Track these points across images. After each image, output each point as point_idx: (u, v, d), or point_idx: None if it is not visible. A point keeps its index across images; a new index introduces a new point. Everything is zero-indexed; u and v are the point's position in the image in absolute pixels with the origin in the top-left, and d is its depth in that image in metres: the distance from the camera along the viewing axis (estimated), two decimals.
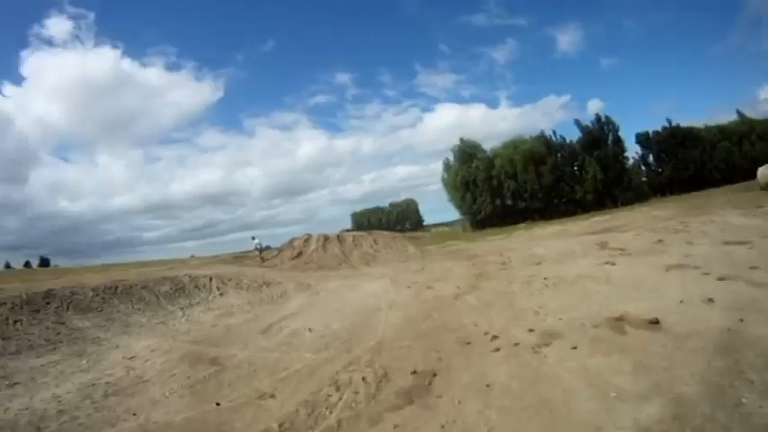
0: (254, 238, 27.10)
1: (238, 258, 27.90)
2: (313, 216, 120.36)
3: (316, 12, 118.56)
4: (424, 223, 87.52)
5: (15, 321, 11.73)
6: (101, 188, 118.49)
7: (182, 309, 14.18)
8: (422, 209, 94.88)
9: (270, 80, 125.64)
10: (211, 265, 27.12)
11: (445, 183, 53.46)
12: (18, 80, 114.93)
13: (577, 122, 49.66)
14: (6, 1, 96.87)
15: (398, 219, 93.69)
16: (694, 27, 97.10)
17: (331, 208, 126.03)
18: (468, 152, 51.58)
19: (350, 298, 12.33)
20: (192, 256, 45.21)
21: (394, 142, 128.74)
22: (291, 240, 27.47)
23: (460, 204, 51.16)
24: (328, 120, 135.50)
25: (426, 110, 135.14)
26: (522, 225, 43.86)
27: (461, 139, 52.67)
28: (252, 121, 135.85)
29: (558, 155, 49.73)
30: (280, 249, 27.91)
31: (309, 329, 8.92)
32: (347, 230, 47.86)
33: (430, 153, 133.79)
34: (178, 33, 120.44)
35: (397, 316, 9.10)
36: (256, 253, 26.55)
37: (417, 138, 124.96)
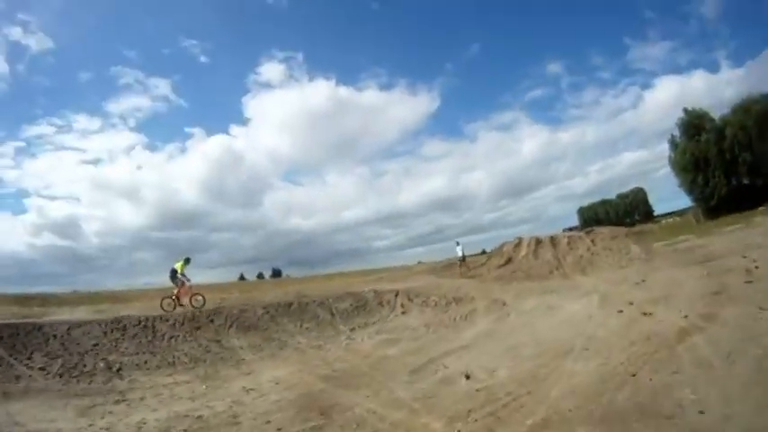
0: (457, 244, 27.35)
1: (447, 268, 28.48)
2: (541, 214, 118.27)
3: (512, 7, 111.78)
4: (654, 214, 79.46)
5: (171, 338, 12.44)
6: (331, 204, 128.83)
7: (351, 330, 14.22)
8: (651, 198, 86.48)
9: (482, 83, 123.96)
10: (420, 275, 28.30)
11: (673, 164, 47.46)
12: (243, 122, 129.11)
13: None
14: (221, 57, 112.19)
15: (627, 211, 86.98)
16: None
17: (558, 204, 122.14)
18: (694, 124, 45.08)
19: (541, 327, 11.06)
20: (420, 262, 49.90)
21: (617, 127, 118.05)
22: (501, 246, 27.26)
23: (691, 188, 45.03)
24: (547, 113, 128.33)
25: (645, 86, 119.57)
26: (761, 209, 36.66)
27: (686, 110, 46.34)
28: (471, 125, 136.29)
29: None
30: (488, 256, 27.91)
31: (467, 376, 7.49)
32: (570, 229, 45.58)
33: (656, 133, 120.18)
34: (384, 55, 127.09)
35: (588, 368, 6.88)
36: (458, 262, 26.73)
37: (640, 119, 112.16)
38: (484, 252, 38.98)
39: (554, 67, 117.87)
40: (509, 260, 24.88)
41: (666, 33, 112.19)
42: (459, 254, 26.91)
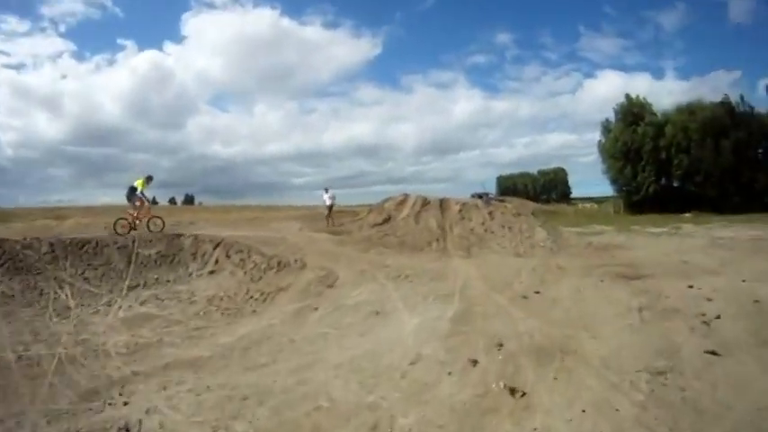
0: (326, 191, 21.60)
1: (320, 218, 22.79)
2: (460, 176, 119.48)
3: None
4: (571, 195, 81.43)
5: None
6: (255, 135, 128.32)
7: (132, 288, 11.08)
8: (571, 180, 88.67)
9: (428, 38, 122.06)
10: (284, 221, 22.68)
11: (602, 149, 43.82)
12: (179, 39, 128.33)
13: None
14: None
15: (545, 187, 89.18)
16: None
17: (480, 169, 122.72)
18: (634, 112, 41.14)
19: (331, 352, 6.40)
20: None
21: (551, 108, 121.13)
22: (384, 201, 21.45)
23: (616, 178, 41.37)
24: (486, 80, 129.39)
25: (588, 76, 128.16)
26: (687, 216, 33.90)
27: (627, 96, 42.21)
28: (409, 78, 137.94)
29: (745, 130, 38.27)
30: (369, 210, 22.11)
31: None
32: (479, 195, 40.71)
33: (587, 122, 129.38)
34: None
35: None
36: (326, 212, 21.23)
37: (576, 105, 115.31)
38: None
39: (502, 37, 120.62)
40: (387, 219, 19.23)
41: (621, 32, 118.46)
42: (327, 203, 21.19)
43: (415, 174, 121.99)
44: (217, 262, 12.75)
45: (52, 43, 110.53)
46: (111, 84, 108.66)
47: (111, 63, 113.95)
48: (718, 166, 37.48)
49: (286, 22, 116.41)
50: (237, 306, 9.46)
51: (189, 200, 77.80)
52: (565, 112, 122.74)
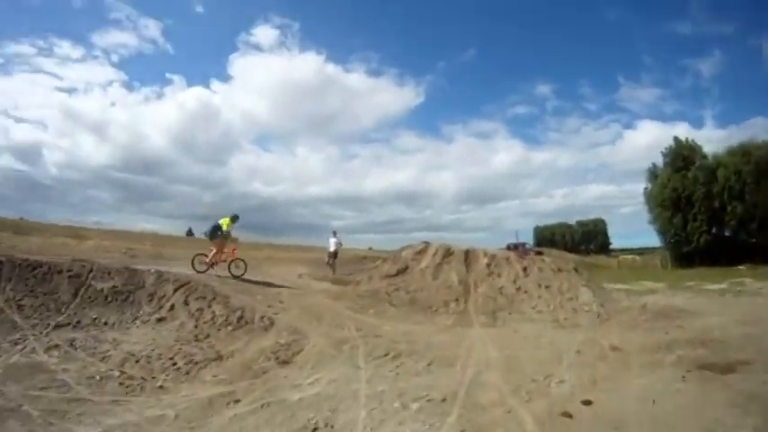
0: (334, 234, 19.25)
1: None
2: (499, 225, 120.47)
3: (516, 22, 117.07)
4: (611, 247, 78.57)
5: None
6: (296, 176, 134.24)
7: (50, 328, 9.05)
8: (610, 231, 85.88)
9: (469, 88, 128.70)
10: (293, 266, 20.45)
11: (648, 197, 40.65)
12: (226, 79, 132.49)
13: None
14: (217, 11, 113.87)
15: (584, 238, 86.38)
16: None
17: (519, 219, 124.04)
18: (683, 156, 37.94)
19: None
20: (370, 248, 48.37)
21: (591, 158, 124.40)
22: (402, 249, 18.86)
23: (665, 228, 37.83)
24: (526, 131, 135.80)
25: (628, 126, 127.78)
26: (742, 269, 30.67)
27: (676, 139, 39.16)
28: (450, 127, 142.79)
29: None
30: (384, 259, 19.59)
31: None
32: (515, 245, 37.92)
33: (626, 172, 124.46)
34: (381, 41, 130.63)
35: None
36: (329, 259, 18.91)
37: (615, 156, 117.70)
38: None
39: (543, 89, 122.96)
40: (403, 270, 16.65)
41: (659, 81, 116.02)
42: (332, 248, 18.83)
43: (453, 222, 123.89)
44: (172, 308, 10.53)
45: (104, 72, 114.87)
46: (158, 116, 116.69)
47: (159, 96, 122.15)
48: None
49: (331, 68, 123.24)
50: (148, 376, 7.03)
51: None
52: (604, 163, 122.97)
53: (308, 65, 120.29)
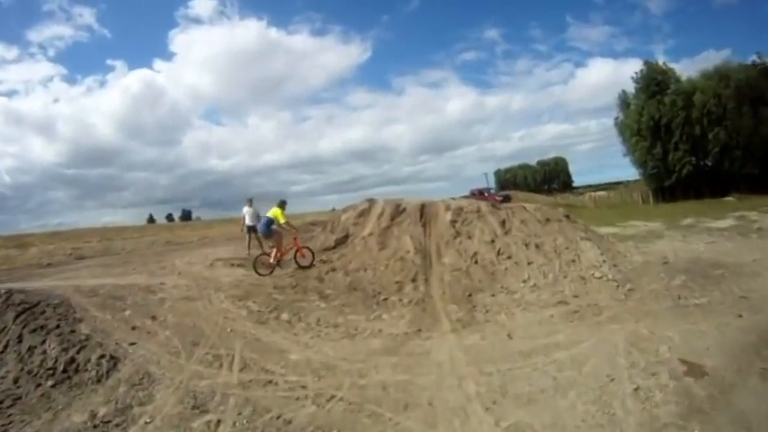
0: (249, 203, 14.74)
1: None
2: (459, 173, 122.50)
3: None
4: (574, 185, 77.04)
5: None
6: (250, 147, 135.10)
7: None
8: (571, 169, 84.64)
9: (417, 39, 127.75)
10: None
11: (621, 127, 37.18)
12: (168, 56, 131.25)
13: None
14: None
15: (546, 178, 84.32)
16: None
17: (478, 165, 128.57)
18: (657, 80, 34.18)
19: None
20: (334, 209, 43.33)
21: (544, 99, 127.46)
22: (343, 210, 14.60)
23: (643, 159, 34.40)
24: (478, 76, 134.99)
25: (579, 65, 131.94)
26: (730, 200, 28.64)
27: (647, 63, 35.34)
28: (400, 79, 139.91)
29: None
30: (324, 225, 15.38)
31: None
32: (479, 191, 33.84)
33: (581, 111, 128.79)
34: (322, 0, 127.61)
35: None
36: (244, 232, 14.65)
37: (569, 95, 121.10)
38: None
39: (491, 33, 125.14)
40: (343, 239, 12.56)
41: (609, 19, 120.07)
42: (247, 221, 14.38)
43: (413, 174, 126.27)
44: (6, 347, 6.64)
45: (42, 68, 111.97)
46: (104, 105, 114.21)
47: (102, 84, 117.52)
48: (759, 138, 30.88)
49: (273, 32, 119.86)
50: None
51: (186, 215, 76.22)
52: (558, 103, 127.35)
53: (249, 32, 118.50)
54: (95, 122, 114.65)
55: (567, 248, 10.10)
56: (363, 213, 13.12)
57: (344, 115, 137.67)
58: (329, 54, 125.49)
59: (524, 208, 12.54)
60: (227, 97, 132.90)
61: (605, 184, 65.52)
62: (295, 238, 11.69)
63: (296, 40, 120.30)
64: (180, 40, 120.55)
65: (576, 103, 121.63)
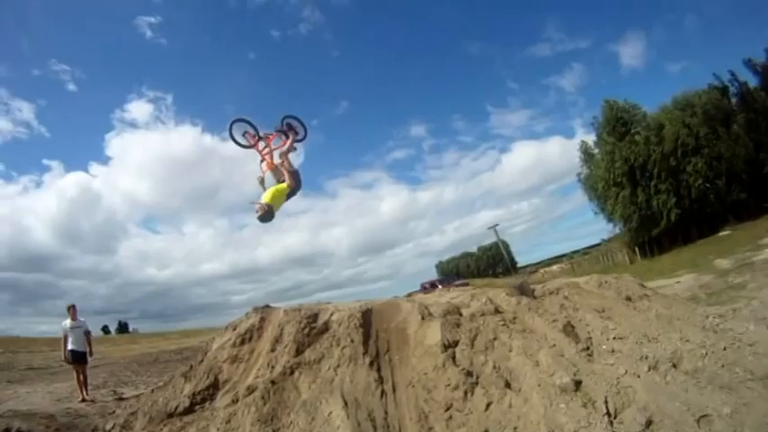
0: (72, 313, 8.85)
1: None
2: (399, 270, 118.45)
3: (383, 68, 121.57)
4: (518, 265, 73.89)
5: None
6: (189, 256, 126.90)
7: None
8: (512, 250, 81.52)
9: (347, 141, 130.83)
10: None
11: (587, 182, 32.92)
12: (104, 160, 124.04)
13: (748, 62, 30.50)
14: (90, 88, 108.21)
15: (489, 263, 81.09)
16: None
17: (418, 260, 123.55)
18: (623, 119, 30.14)
19: None
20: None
21: (475, 188, 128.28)
22: (227, 328, 7.60)
23: (625, 211, 29.44)
24: (408, 173, 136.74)
25: (504, 150, 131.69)
26: (726, 233, 25.17)
27: (607, 102, 31.39)
28: (333, 182, 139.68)
29: (750, 110, 29.75)
30: (184, 367, 8.37)
31: None
32: (432, 284, 26.98)
33: (510, 194, 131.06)
34: (253, 107, 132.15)
35: None
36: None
37: (497, 180, 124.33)
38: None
39: (418, 130, 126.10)
40: (207, 394, 5.62)
41: (527, 102, 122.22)
42: (69, 345, 8.59)
43: (353, 276, 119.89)
44: None
45: None
46: (40, 207, 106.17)
47: (38, 185, 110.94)
48: (740, 159, 27.72)
49: (208, 138, 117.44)
50: None
51: (123, 328, 70.10)
52: (488, 190, 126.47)
53: (185, 138, 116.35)
54: (31, 224, 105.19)
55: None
56: (249, 337, 6.39)
57: (281, 221, 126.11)
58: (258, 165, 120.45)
59: (569, 285, 6.18)
60: (164, 204, 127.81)
61: (555, 257, 64.55)
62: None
63: (230, 146, 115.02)
64: (116, 143, 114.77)
65: (505, 187, 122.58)
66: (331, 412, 4.14)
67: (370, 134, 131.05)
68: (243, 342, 6.40)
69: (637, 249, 29.13)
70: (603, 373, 4.14)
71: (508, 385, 4.05)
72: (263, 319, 6.58)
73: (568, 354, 4.47)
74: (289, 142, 5.92)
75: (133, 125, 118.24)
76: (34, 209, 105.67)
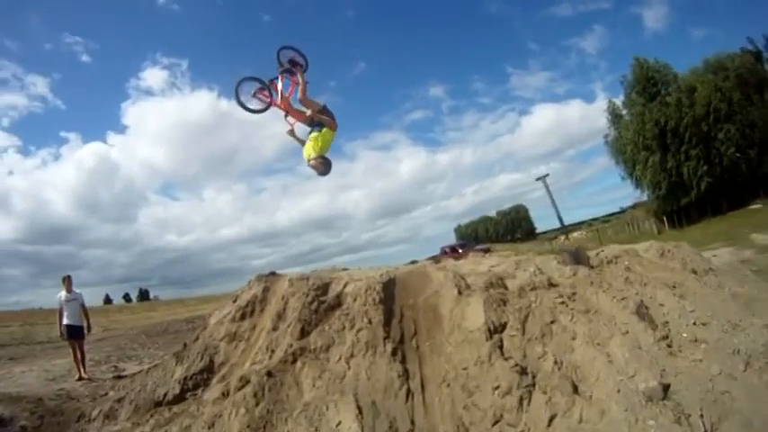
0: (67, 283, 7.94)
1: None
2: (418, 234, 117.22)
3: (400, 28, 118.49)
4: (537, 231, 72.91)
5: None
6: (208, 222, 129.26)
7: None
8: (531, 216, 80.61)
9: (365, 102, 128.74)
10: None
11: (614, 145, 30.84)
12: (121, 129, 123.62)
13: None
14: (103, 58, 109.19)
15: (508, 228, 79.04)
16: None
17: (436, 224, 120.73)
18: (654, 79, 28.32)
19: None
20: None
21: (494, 151, 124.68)
22: (231, 301, 6.67)
23: (654, 177, 27.92)
24: (427, 135, 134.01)
25: (523, 113, 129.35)
26: (757, 206, 23.93)
27: (638, 60, 29.45)
28: (351, 144, 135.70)
29: None
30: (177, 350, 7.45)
31: None
32: (452, 248, 25.39)
33: (530, 157, 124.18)
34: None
35: None
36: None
37: (517, 143, 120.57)
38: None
39: (436, 91, 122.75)
40: (201, 379, 4.84)
41: (547, 64, 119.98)
42: (65, 320, 7.94)
43: (372, 239, 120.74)
44: None
45: None
46: (59, 179, 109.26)
47: (56, 157, 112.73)
48: None
49: (225, 103, 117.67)
50: None
51: (144, 295, 71.97)
52: (508, 153, 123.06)
53: (201, 103, 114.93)
54: (51, 197, 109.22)
55: None
56: (250, 310, 5.49)
57: (300, 185, 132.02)
58: (279, 122, 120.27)
59: (627, 253, 5.13)
60: (182, 171, 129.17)
61: (575, 224, 62.15)
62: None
63: None
64: (132, 112, 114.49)
65: (525, 150, 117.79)
66: (340, 422, 3.22)
67: (388, 95, 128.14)
68: (243, 317, 5.51)
69: (665, 219, 27.72)
70: (692, 373, 3.14)
71: (576, 389, 3.04)
72: (266, 290, 5.67)
73: (646, 344, 3.48)
74: (301, 81, 4.90)
75: (149, 93, 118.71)
76: (53, 181, 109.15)
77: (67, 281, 8.06)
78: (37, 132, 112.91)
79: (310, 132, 4.77)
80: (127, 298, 70.96)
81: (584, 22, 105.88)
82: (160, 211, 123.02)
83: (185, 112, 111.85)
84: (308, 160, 4.73)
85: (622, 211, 43.92)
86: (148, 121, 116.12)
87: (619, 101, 31.32)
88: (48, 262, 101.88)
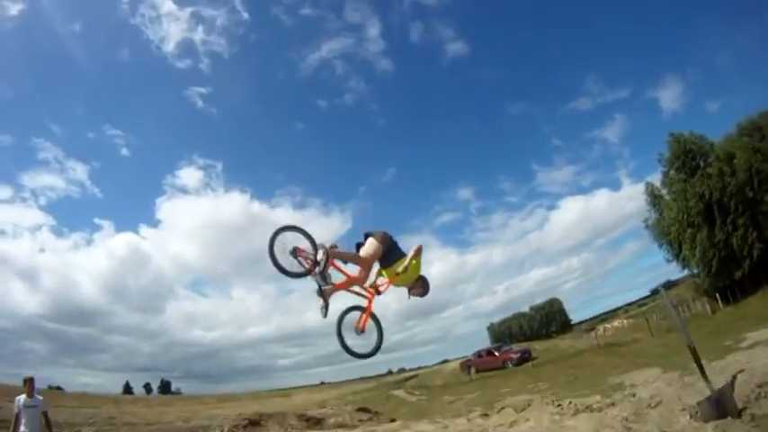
0: (28, 386, 7.79)
1: None
2: (449, 333, 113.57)
3: (428, 136, 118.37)
4: (573, 323, 73.59)
5: None
6: (235, 319, 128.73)
7: None
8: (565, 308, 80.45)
9: (394, 206, 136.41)
10: None
11: (656, 228, 30.38)
12: (154, 223, 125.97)
13: None
14: (143, 154, 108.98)
15: (542, 323, 77.45)
16: None
17: (467, 323, 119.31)
18: (691, 151, 27.81)
19: None
20: (322, 383, 48.07)
21: (523, 247, 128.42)
22: None
23: (705, 254, 26.70)
24: (456, 236, 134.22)
25: (551, 208, 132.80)
26: None
27: (673, 135, 29.12)
28: None
29: None
30: None
31: None
32: (488, 351, 24.26)
33: (560, 251, 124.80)
34: (302, 174, 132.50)
35: None
36: None
37: (547, 238, 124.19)
38: None
39: (465, 193, 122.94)
40: None
41: (571, 158, 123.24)
42: (21, 427, 7.43)
43: (403, 340, 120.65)
44: None
45: (33, 215, 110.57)
46: (89, 263, 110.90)
47: (88, 242, 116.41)
48: None
49: (257, 205, 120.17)
50: None
51: (165, 387, 74.24)
52: (538, 248, 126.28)
53: (233, 204, 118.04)
54: (79, 279, 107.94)
55: None
56: None
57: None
58: (311, 226, 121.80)
59: None
60: (212, 269, 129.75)
61: (609, 311, 61.77)
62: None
63: (278, 213, 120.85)
64: (166, 207, 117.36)
65: (555, 244, 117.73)
66: None
67: (418, 199, 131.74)
68: None
69: (717, 296, 26.13)
70: None
71: None
72: None
73: None
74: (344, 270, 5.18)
75: (184, 191, 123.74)
76: (83, 265, 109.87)
77: (29, 383, 7.52)
78: (72, 215, 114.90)
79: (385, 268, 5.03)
80: (148, 388, 71.99)
81: (605, 113, 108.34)
82: (188, 306, 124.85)
83: (218, 211, 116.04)
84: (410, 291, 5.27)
85: (652, 295, 42.37)
86: (182, 218, 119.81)
87: (656, 180, 30.97)
88: (70, 342, 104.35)
